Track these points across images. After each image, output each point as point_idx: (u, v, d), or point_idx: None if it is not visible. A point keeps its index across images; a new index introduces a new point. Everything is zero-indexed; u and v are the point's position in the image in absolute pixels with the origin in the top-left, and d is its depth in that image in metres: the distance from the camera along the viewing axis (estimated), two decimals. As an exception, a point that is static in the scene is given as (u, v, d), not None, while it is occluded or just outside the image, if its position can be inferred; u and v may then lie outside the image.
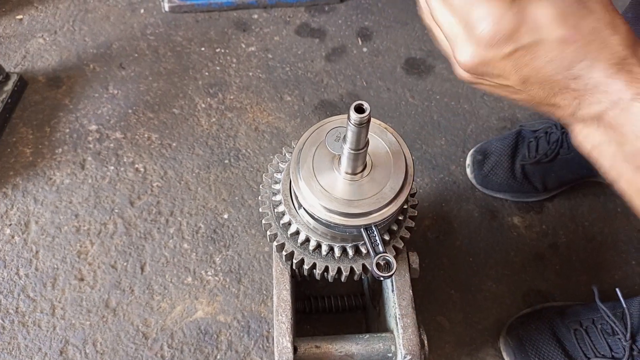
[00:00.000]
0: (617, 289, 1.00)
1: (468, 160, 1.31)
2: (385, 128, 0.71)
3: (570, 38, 0.43)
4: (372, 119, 0.66)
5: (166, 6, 1.61)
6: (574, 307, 1.07)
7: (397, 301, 0.80)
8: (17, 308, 1.10)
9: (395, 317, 0.80)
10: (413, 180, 0.70)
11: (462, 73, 0.50)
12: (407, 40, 1.61)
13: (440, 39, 0.52)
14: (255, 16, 1.63)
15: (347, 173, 0.67)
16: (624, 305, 0.98)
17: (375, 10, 1.68)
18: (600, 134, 0.47)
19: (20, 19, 1.58)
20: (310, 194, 0.67)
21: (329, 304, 1.06)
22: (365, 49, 1.58)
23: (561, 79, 0.45)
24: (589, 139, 0.49)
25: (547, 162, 1.22)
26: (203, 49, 1.55)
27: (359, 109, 0.56)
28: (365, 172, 0.68)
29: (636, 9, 0.95)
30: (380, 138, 0.70)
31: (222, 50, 1.55)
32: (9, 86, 1.38)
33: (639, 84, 0.43)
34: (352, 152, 0.63)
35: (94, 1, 1.65)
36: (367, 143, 0.63)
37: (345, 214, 0.66)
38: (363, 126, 0.58)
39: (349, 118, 0.57)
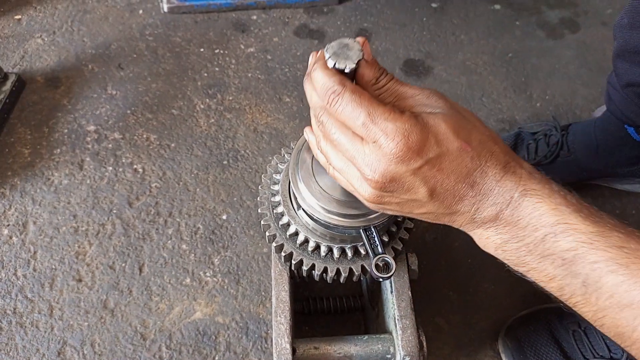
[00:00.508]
0: None
1: (467, 162, 1.31)
2: None
3: (465, 148, 0.48)
4: None
5: (165, 7, 1.61)
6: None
7: (395, 302, 0.80)
8: (14, 309, 1.10)
9: (394, 318, 0.80)
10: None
11: (370, 194, 0.52)
12: (406, 42, 1.62)
13: (345, 169, 0.54)
14: (254, 17, 1.63)
15: None
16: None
17: (374, 11, 1.69)
18: (501, 233, 0.51)
19: (19, 19, 1.58)
20: (309, 194, 0.67)
21: (328, 305, 1.06)
22: (364, 50, 1.58)
23: (462, 187, 0.49)
24: (491, 240, 0.52)
25: (546, 164, 1.22)
26: (202, 49, 1.55)
27: None
28: None
29: (631, 16, 0.95)
30: None
31: (221, 51, 1.55)
32: (7, 86, 1.38)
33: (524, 182, 0.49)
34: None
35: (93, 2, 1.65)
36: None
37: (344, 214, 0.66)
38: None
39: None
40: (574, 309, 0.50)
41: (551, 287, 0.51)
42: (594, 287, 0.47)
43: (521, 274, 0.53)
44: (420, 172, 0.48)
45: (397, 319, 0.79)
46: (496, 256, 0.54)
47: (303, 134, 0.72)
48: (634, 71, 0.99)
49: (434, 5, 1.72)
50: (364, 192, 0.52)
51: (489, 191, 0.49)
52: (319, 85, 0.51)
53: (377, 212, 0.67)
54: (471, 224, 0.52)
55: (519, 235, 0.50)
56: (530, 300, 1.16)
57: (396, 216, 0.75)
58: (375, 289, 0.97)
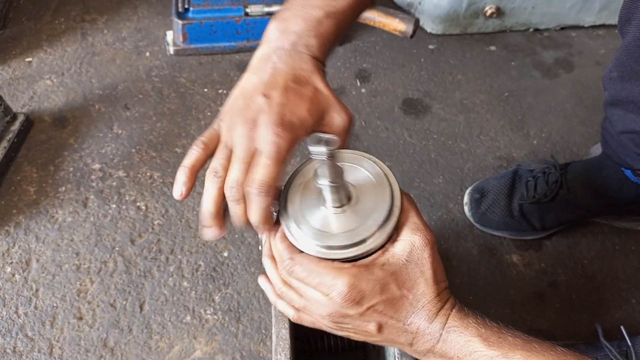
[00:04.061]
0: (622, 327, 0.99)
1: (465, 199, 1.33)
2: (369, 158, 0.71)
3: (407, 295, 0.61)
4: (356, 151, 0.69)
5: (171, 49, 1.66)
6: (577, 347, 1.06)
7: (396, 340, 0.80)
8: (14, 347, 1.09)
9: (395, 356, 0.79)
10: (401, 212, 0.69)
11: (328, 320, 0.63)
12: (405, 81, 1.66)
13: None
14: (257, 59, 1.68)
15: (333, 207, 0.68)
16: (629, 343, 0.97)
17: (373, 53, 1.74)
18: None
19: (30, 62, 1.64)
20: (300, 233, 0.67)
21: (329, 344, 1.05)
22: (363, 90, 1.62)
23: (402, 326, 0.62)
24: None
25: (546, 202, 1.23)
26: (206, 89, 1.60)
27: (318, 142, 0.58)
28: (352, 203, 0.68)
29: (620, 69, 0.97)
30: (365, 169, 0.71)
31: (225, 91, 1.59)
32: (16, 126, 1.41)
33: (450, 321, 0.61)
34: (330, 185, 0.63)
35: (101, 44, 1.70)
36: (340, 176, 0.64)
37: (339, 246, 0.66)
38: (325, 160, 0.59)
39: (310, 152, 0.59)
40: None
41: None
42: None
43: None
44: (366, 315, 0.61)
45: (397, 357, 0.79)
46: None
47: (289, 176, 0.73)
48: (627, 118, 1.00)
49: (430, 46, 1.77)
50: (323, 316, 0.64)
51: (423, 330, 0.61)
52: (276, 254, 0.68)
53: (370, 239, 0.66)
54: (415, 353, 0.64)
55: None
56: (533, 339, 1.15)
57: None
58: (375, 326, 0.96)
